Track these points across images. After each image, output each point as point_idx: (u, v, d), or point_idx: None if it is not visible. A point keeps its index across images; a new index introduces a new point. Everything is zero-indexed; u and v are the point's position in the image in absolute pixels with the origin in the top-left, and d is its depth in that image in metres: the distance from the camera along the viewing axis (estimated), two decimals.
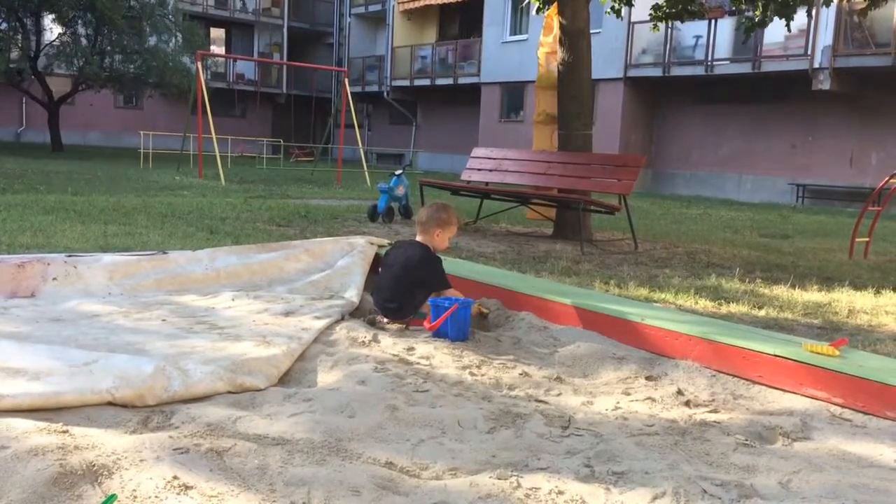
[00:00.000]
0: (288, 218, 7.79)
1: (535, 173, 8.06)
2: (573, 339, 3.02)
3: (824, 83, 17.14)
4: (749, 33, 9.15)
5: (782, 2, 8.09)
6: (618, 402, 2.37)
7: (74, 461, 1.63)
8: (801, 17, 9.82)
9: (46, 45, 23.21)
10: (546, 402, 2.36)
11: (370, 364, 2.55)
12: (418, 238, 3.45)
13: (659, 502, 1.63)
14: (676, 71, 20.08)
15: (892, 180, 7.24)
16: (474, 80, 25.76)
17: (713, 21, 18.55)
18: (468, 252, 5.99)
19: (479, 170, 8.68)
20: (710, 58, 19.19)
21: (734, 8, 10.65)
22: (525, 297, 3.44)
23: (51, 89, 23.42)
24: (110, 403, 2.09)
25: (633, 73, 20.94)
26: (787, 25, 8.57)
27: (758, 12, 8.53)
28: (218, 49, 32.68)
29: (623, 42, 20.68)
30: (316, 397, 2.23)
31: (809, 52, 17.23)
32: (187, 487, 1.59)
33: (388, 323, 3.27)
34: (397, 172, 8.66)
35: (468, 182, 8.90)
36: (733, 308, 4.16)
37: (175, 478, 1.61)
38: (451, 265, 3.96)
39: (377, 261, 4.04)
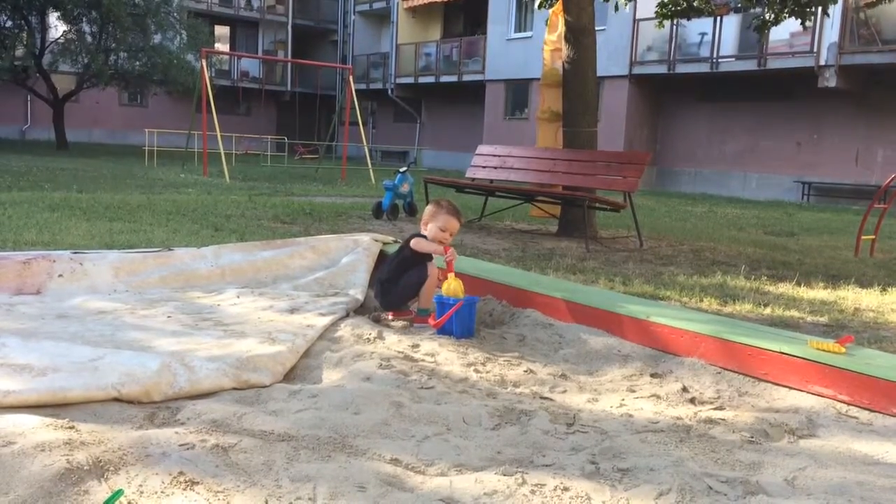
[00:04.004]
0: (292, 215, 7.79)
1: (539, 171, 8.05)
2: (578, 336, 3.02)
3: (830, 80, 17.09)
4: (761, 31, 9.09)
5: (798, 2, 8.03)
6: (623, 400, 2.36)
7: (81, 457, 1.64)
8: None
9: (51, 42, 23.28)
10: (551, 400, 2.36)
11: (375, 361, 2.55)
12: None
13: (664, 499, 1.63)
14: (681, 68, 20.03)
15: None
16: (479, 77, 25.75)
17: (719, 18, 18.50)
18: (473, 249, 5.99)
19: (484, 167, 8.67)
20: (715, 55, 19.15)
21: (740, 5, 10.56)
22: (530, 294, 3.43)
23: (56, 87, 23.50)
24: (116, 399, 2.09)
25: (638, 70, 20.90)
26: (803, 24, 8.49)
27: (770, 13, 8.46)
28: (222, 46, 32.75)
29: (628, 39, 20.65)
30: (321, 394, 2.23)
31: (815, 50, 17.18)
32: (193, 483, 1.59)
33: (392, 320, 3.28)
34: (402, 170, 8.65)
35: (473, 179, 8.90)
36: (738, 305, 4.16)
37: (181, 473, 1.62)
38: (455, 263, 3.95)
39: (381, 258, 4.04)
